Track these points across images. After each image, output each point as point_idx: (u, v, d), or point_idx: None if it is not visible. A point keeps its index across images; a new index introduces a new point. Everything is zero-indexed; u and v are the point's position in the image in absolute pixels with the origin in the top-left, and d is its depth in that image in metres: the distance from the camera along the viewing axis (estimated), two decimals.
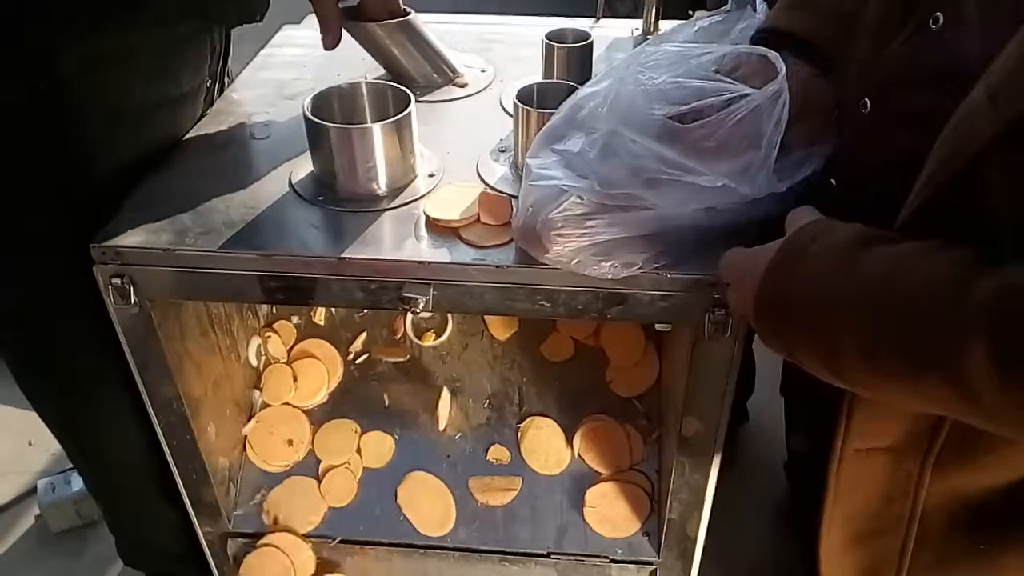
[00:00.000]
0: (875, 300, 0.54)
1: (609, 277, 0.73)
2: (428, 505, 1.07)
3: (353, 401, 1.14)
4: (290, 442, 1.10)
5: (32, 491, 1.73)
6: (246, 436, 1.10)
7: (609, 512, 1.05)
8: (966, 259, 0.51)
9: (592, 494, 1.05)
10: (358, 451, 1.10)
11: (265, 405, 1.13)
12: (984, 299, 0.48)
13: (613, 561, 1.03)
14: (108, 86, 0.85)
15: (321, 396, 1.14)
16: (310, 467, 1.10)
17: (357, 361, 1.16)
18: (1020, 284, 0.47)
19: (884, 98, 0.65)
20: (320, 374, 1.14)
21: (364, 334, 1.17)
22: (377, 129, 0.81)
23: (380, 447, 1.11)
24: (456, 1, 1.67)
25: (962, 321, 0.48)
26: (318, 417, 1.13)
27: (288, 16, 1.26)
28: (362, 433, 1.11)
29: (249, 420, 1.12)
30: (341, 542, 1.06)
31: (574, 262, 0.72)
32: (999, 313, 0.47)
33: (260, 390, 1.14)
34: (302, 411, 1.13)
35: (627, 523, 1.04)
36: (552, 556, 1.03)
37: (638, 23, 1.20)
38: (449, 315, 1.16)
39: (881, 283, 0.54)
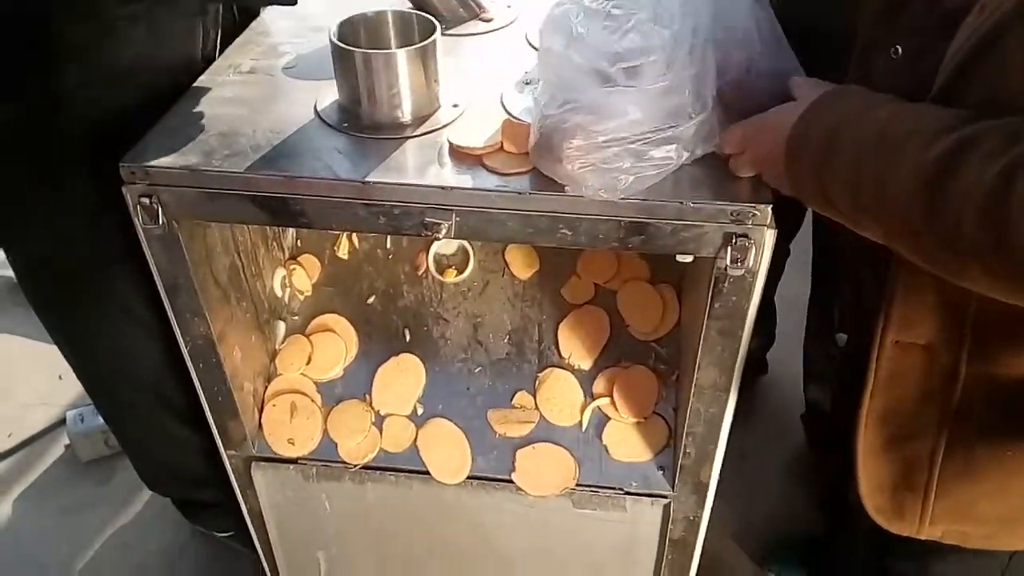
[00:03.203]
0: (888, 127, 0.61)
1: (620, 192, 0.74)
2: (446, 453, 1.08)
3: (375, 335, 1.16)
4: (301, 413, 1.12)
5: (61, 422, 1.79)
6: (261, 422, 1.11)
7: (626, 437, 1.06)
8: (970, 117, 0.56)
9: (611, 426, 1.07)
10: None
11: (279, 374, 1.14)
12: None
13: (628, 493, 1.04)
14: None
15: (337, 371, 1.14)
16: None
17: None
18: None
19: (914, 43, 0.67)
20: (338, 349, 1.15)
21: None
22: (402, 55, 0.81)
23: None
24: None
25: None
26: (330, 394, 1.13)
27: None
28: (383, 361, 1.13)
29: (272, 356, 1.14)
30: (362, 468, 1.09)
31: (587, 177, 0.73)
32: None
33: (283, 320, 1.16)
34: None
35: (643, 450, 1.05)
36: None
37: None
38: (471, 252, 1.17)
39: (896, 115, 0.62)
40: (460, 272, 1.16)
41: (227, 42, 1.04)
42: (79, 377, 1.28)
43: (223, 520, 1.50)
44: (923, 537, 0.82)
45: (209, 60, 1.00)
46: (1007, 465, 0.74)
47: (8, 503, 1.70)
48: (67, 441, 1.76)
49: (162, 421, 1.28)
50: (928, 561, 0.90)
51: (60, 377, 1.91)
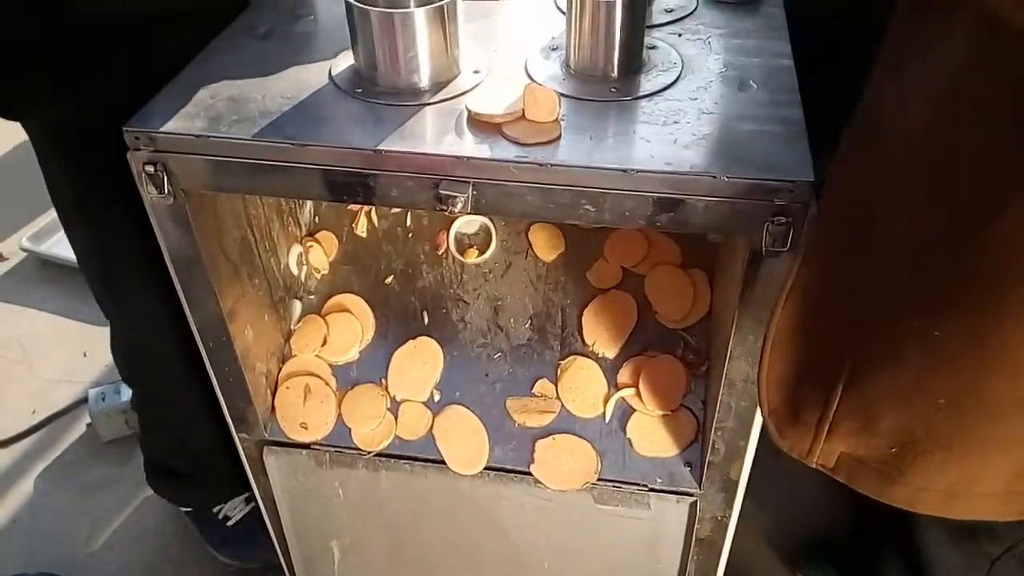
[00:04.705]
0: None
1: None
2: (462, 442, 1.04)
3: (393, 317, 1.12)
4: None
5: (84, 400, 1.78)
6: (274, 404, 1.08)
7: (651, 430, 1.01)
8: None
9: (636, 418, 1.02)
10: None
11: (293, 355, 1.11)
12: None
13: (652, 490, 0.99)
14: None
15: (352, 354, 1.10)
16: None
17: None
18: None
19: None
20: (354, 330, 1.11)
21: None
22: (420, 14, 0.77)
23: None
24: None
25: None
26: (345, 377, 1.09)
27: None
28: (400, 344, 1.09)
29: (287, 337, 1.11)
30: (377, 455, 1.05)
31: None
32: None
33: (299, 299, 1.13)
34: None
35: (669, 445, 1.00)
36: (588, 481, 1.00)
37: None
38: (493, 232, 1.12)
39: None
40: (482, 253, 1.12)
41: None
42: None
43: (186, 494, 1.49)
44: (814, 462, 0.72)
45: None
46: (929, 351, 0.61)
47: (29, 481, 1.70)
48: (89, 420, 1.75)
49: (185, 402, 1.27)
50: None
51: (85, 354, 1.91)
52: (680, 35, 0.90)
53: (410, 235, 1.15)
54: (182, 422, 1.34)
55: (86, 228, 1.13)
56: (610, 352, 1.06)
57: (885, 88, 0.61)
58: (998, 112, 0.51)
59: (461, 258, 1.11)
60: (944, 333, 0.59)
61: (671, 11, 0.94)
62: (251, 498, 1.49)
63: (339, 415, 1.06)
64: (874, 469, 0.69)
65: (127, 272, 1.14)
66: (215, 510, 1.51)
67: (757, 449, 0.94)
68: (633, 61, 0.82)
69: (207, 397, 1.26)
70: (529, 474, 1.01)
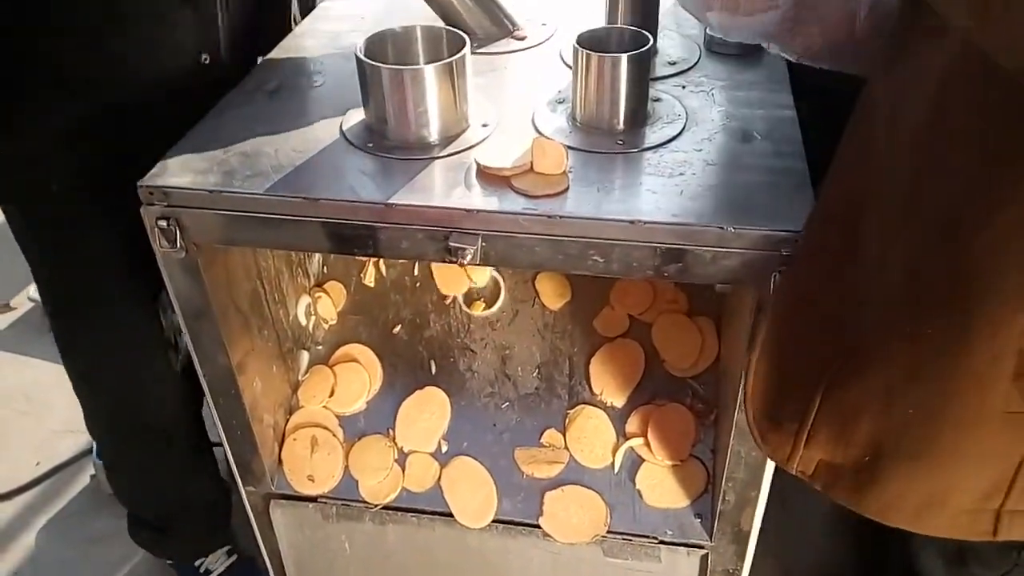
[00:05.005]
0: None
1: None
2: (470, 494, 1.03)
3: (400, 366, 1.12)
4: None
5: (89, 451, 1.76)
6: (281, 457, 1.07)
7: (661, 481, 1.00)
8: None
9: (645, 468, 1.01)
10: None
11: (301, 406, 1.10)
12: None
13: (663, 542, 0.98)
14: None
15: (360, 404, 1.09)
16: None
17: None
18: None
19: None
20: (361, 381, 1.11)
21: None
22: (430, 71, 0.78)
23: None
24: None
25: None
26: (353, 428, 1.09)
27: None
28: (407, 394, 1.09)
29: (294, 387, 1.10)
30: (384, 508, 1.03)
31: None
32: None
33: (306, 350, 1.13)
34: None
35: (679, 496, 0.99)
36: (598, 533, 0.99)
37: None
38: (501, 284, 1.13)
39: None
40: (489, 306, 1.12)
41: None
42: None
43: (165, 547, 1.47)
44: (794, 469, 0.72)
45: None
46: (899, 359, 0.62)
47: (32, 533, 1.67)
48: (93, 471, 1.73)
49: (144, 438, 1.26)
50: None
51: None
52: (684, 87, 0.92)
53: (418, 285, 1.16)
54: (157, 479, 1.33)
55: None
56: (618, 401, 1.06)
57: (875, 107, 0.63)
58: (980, 131, 0.53)
59: (469, 311, 1.11)
60: (913, 340, 0.60)
61: (674, 63, 0.96)
62: (233, 551, 1.47)
63: (346, 467, 1.05)
64: (849, 478, 0.69)
65: (107, 336, 1.12)
66: (196, 564, 1.49)
67: (771, 505, 0.93)
68: (638, 114, 0.84)
69: (184, 453, 1.27)
70: (538, 527, 1.00)
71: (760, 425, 0.74)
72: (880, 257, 0.62)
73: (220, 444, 1.04)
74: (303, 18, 1.13)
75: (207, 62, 0.91)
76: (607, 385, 1.07)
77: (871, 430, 0.65)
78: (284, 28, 1.10)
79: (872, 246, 0.62)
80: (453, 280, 1.13)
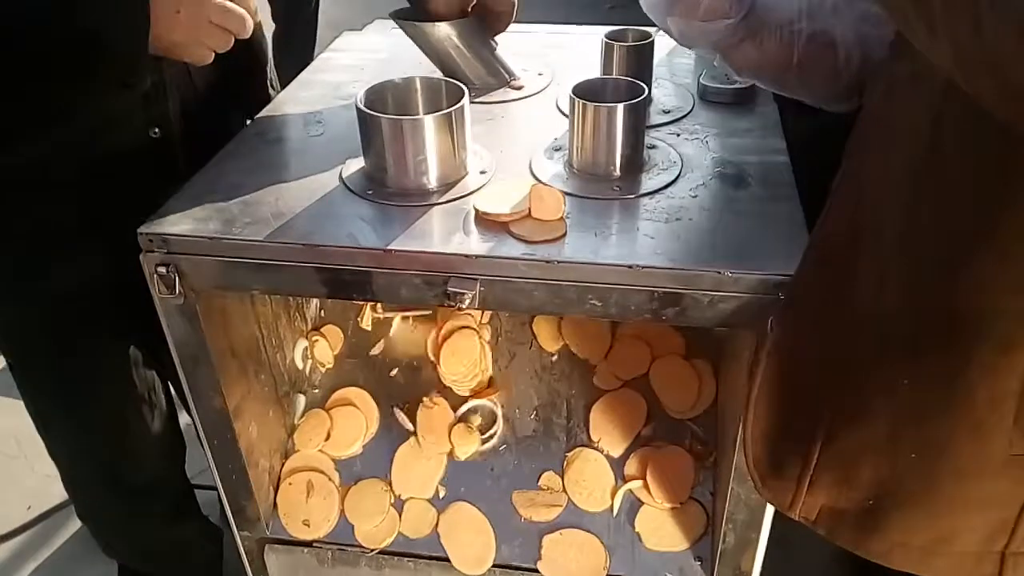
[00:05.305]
0: None
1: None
2: (468, 539, 1.02)
3: (397, 409, 1.11)
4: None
5: None
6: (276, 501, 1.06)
7: (661, 524, 0.99)
8: None
9: (644, 511, 1.00)
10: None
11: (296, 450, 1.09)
12: None
13: None
14: None
15: (356, 448, 1.09)
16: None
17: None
18: None
19: None
20: (358, 424, 1.10)
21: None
22: (429, 121, 0.79)
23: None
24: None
25: None
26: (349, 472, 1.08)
27: (350, 23, 1.28)
28: (404, 439, 1.08)
29: (290, 431, 1.10)
30: (380, 553, 1.03)
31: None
32: None
33: (303, 394, 1.13)
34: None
35: (679, 539, 0.98)
36: None
37: None
38: (499, 416, 1.09)
39: None
40: (483, 432, 1.08)
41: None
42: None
43: None
44: (797, 514, 0.71)
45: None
46: (899, 403, 0.62)
47: None
48: None
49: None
50: None
51: None
52: (678, 135, 0.93)
53: (414, 328, 1.16)
54: (143, 533, 1.30)
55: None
56: (616, 451, 1.05)
57: (867, 144, 0.64)
58: (972, 172, 0.53)
59: (464, 446, 1.07)
60: (912, 384, 0.60)
61: (668, 112, 0.98)
62: None
63: (342, 511, 1.05)
64: (852, 523, 0.68)
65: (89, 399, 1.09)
66: None
67: (771, 547, 0.92)
68: (634, 161, 0.85)
69: (169, 505, 1.25)
70: (536, 571, 0.99)
71: (760, 471, 0.74)
72: (876, 299, 0.62)
73: (214, 488, 1.03)
74: (281, 86, 1.13)
75: (157, 135, 0.91)
76: (606, 434, 1.06)
77: (874, 475, 0.65)
78: (263, 94, 1.09)
79: (868, 288, 0.63)
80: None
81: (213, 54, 0.80)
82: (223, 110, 1.03)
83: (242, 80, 1.03)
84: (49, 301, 0.96)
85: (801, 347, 0.70)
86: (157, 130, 0.90)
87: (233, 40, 0.80)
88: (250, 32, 0.80)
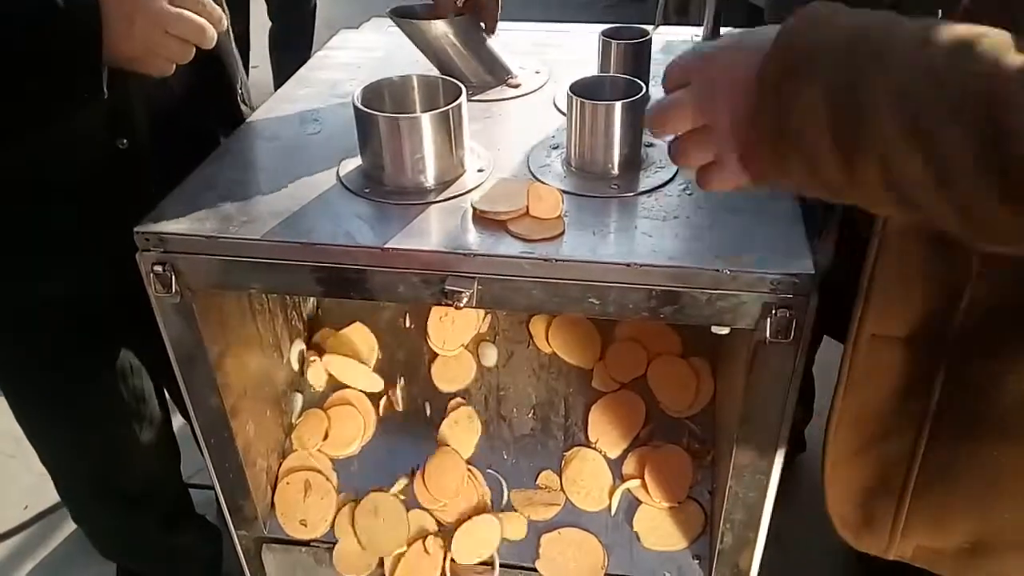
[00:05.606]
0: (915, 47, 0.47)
1: None
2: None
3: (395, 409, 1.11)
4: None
5: None
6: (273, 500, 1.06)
7: (658, 523, 0.99)
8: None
9: (642, 510, 1.00)
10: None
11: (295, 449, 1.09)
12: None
13: None
14: None
15: (354, 448, 1.09)
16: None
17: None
18: None
19: None
20: (356, 424, 1.10)
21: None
22: (426, 119, 0.79)
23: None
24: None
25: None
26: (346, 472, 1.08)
27: (347, 21, 1.27)
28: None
29: (288, 431, 1.10)
30: None
31: None
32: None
33: (300, 393, 1.12)
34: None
35: (677, 538, 0.98)
36: None
37: (698, 30, 1.17)
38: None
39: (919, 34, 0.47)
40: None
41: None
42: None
43: None
44: (892, 556, 0.74)
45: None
46: (989, 468, 0.66)
47: None
48: None
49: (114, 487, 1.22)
50: None
51: None
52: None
53: (412, 328, 1.16)
54: (140, 538, 1.30)
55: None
56: (614, 452, 1.05)
57: None
58: None
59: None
60: (1003, 456, 0.65)
61: None
62: None
63: (338, 512, 1.04)
64: (952, 558, 0.72)
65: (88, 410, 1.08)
66: None
67: (769, 545, 0.92)
68: (632, 159, 0.85)
69: (166, 510, 1.25)
70: (535, 570, 0.99)
71: (851, 530, 0.77)
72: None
73: (211, 487, 1.03)
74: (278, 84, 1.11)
75: (125, 146, 0.89)
76: (604, 435, 1.06)
77: (968, 526, 0.70)
78: (235, 110, 1.04)
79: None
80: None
81: (173, 66, 0.77)
82: (196, 122, 0.99)
83: (212, 93, 0.99)
84: (29, 313, 0.95)
85: (882, 416, 0.72)
86: (124, 141, 0.89)
87: (194, 50, 0.76)
88: (213, 42, 0.76)
